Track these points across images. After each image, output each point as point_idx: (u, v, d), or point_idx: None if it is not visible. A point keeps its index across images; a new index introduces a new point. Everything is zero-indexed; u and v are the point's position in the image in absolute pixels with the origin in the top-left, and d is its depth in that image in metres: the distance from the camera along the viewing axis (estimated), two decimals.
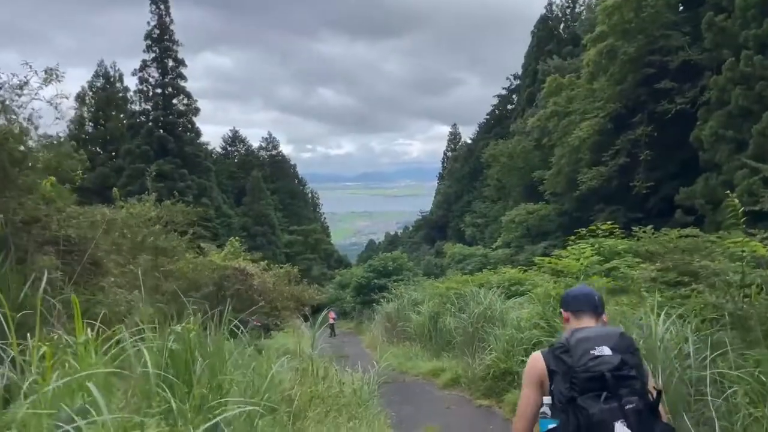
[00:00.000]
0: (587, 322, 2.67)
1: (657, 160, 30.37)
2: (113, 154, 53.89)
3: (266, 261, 15.34)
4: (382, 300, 23.55)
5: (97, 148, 56.10)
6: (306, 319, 31.13)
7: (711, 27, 25.41)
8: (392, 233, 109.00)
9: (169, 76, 49.87)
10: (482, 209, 59.30)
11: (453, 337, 14.16)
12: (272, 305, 14.07)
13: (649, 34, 29.44)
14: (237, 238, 14.98)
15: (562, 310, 2.84)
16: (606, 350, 2.38)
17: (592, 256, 10.08)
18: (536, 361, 2.62)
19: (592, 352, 2.38)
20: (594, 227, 12.97)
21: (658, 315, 6.34)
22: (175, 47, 49.69)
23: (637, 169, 30.96)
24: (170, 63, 49.74)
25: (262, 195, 60.88)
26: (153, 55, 49.19)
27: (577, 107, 34.10)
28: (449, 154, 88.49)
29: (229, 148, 74.78)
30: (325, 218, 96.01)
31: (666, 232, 16.97)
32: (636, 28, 29.71)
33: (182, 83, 50.37)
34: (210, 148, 66.25)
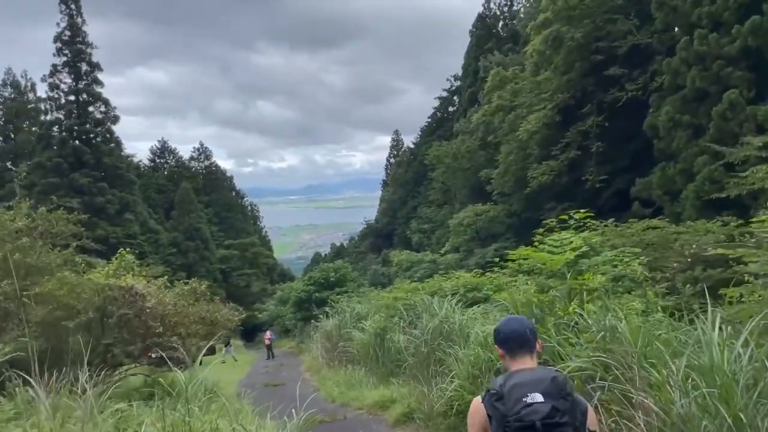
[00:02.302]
0: (522, 359, 2.69)
1: (608, 152, 28.87)
2: (25, 170, 49.35)
3: (164, 277, 12.32)
4: (321, 316, 20.81)
5: (9, 164, 51.47)
6: (226, 344, 27.96)
7: (662, 6, 23.98)
8: (338, 245, 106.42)
9: (83, 82, 45.52)
10: (428, 214, 57.37)
11: (403, 357, 11.63)
12: (174, 332, 11.09)
13: (595, 19, 27.94)
14: (128, 250, 11.95)
15: (495, 345, 2.84)
16: (538, 397, 2.40)
17: (581, 246, 7.70)
18: (477, 407, 2.64)
19: (524, 399, 2.40)
20: (566, 215, 10.62)
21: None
22: (89, 50, 45.42)
23: (588, 162, 29.43)
24: (84, 67, 45.43)
25: (192, 207, 56.83)
26: (64, 59, 44.81)
27: (523, 100, 32.39)
28: (392, 160, 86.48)
29: (157, 161, 70.19)
30: (266, 232, 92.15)
31: (630, 224, 14.93)
32: (581, 14, 28.19)
33: (99, 89, 46.14)
34: (137, 160, 61.92)
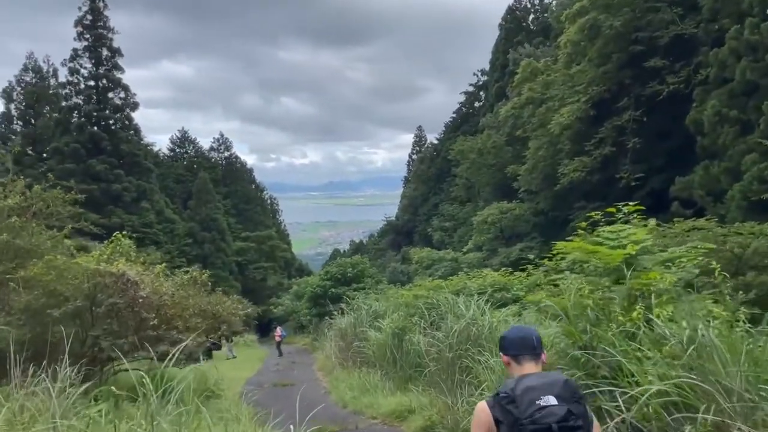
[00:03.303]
0: (528, 366, 2.65)
1: (644, 149, 27.23)
2: (44, 154, 49.00)
3: (163, 264, 11.18)
4: (336, 313, 19.61)
5: (29, 149, 51.14)
6: (228, 339, 26.86)
7: None
8: (357, 241, 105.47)
9: (103, 67, 44.87)
10: (450, 211, 55.95)
11: (424, 362, 10.37)
12: (171, 325, 9.95)
13: (635, 8, 26.34)
14: (124, 234, 10.84)
15: (500, 353, 2.80)
16: (552, 400, 2.36)
17: (645, 239, 6.38)
18: (483, 411, 2.57)
19: (537, 402, 2.36)
20: (614, 208, 9.26)
21: None
22: (110, 35, 44.75)
23: (623, 160, 27.81)
24: (104, 52, 44.79)
25: (209, 197, 55.85)
26: (85, 43, 44.21)
27: (555, 93, 30.87)
28: (414, 157, 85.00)
29: (177, 150, 69.54)
30: (284, 225, 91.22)
31: (672, 224, 13.48)
32: (620, 2, 26.63)
33: (119, 75, 45.47)
34: (156, 149, 61.31)
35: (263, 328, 51.39)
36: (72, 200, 11.86)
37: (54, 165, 41.89)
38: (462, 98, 69.44)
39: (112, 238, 10.60)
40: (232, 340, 29.89)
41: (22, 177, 12.37)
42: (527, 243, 33.60)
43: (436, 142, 74.32)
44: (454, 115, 69.90)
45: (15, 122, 50.14)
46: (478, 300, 10.29)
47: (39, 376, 7.36)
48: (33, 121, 48.74)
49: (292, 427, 6.26)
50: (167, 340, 9.57)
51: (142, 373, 5.38)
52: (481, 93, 64.96)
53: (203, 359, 22.90)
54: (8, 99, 49.53)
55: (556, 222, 33.29)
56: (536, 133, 33.23)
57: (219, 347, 26.46)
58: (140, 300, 9.34)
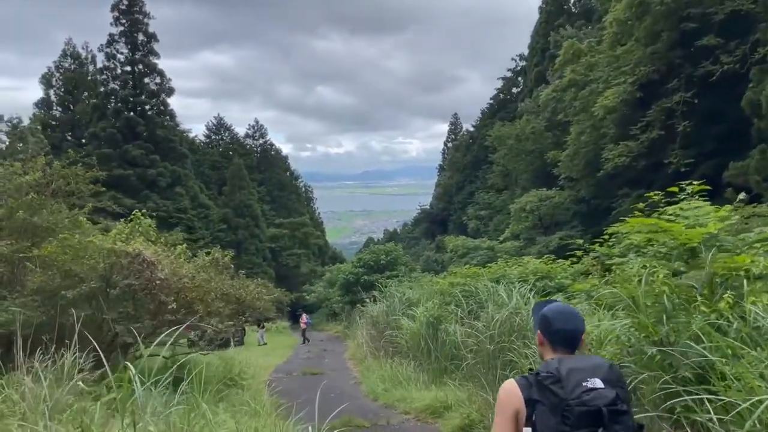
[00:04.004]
0: (565, 352, 2.46)
1: (695, 132, 25.71)
2: (83, 140, 49.47)
3: (183, 244, 10.56)
4: (367, 300, 18.92)
5: (68, 135, 51.68)
6: (260, 325, 26.36)
7: None
8: (391, 230, 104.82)
9: (139, 53, 44.91)
10: (486, 199, 54.66)
11: (461, 354, 9.57)
12: (191, 309, 9.34)
13: None
14: (144, 212, 10.26)
15: (538, 330, 2.56)
16: (598, 383, 2.25)
17: (729, 216, 5.46)
18: (512, 390, 2.38)
19: (585, 384, 2.24)
20: (676, 188, 8.32)
21: None
22: (146, 20, 44.75)
23: (671, 145, 26.32)
24: (140, 38, 44.80)
25: (243, 183, 55.67)
26: (121, 28, 44.25)
27: (599, 75, 29.37)
28: (449, 144, 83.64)
29: (213, 137, 69.64)
30: (319, 213, 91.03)
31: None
32: None
33: (154, 60, 45.44)
34: (192, 136, 61.42)
35: (296, 315, 51.26)
36: (93, 177, 11.33)
37: (91, 150, 42.21)
38: (499, 84, 67.85)
39: (131, 216, 10.01)
40: (263, 326, 29.55)
41: (47, 155, 11.81)
42: (567, 232, 32.38)
43: (472, 129, 72.90)
44: (491, 102, 68.32)
45: (54, 108, 50.68)
46: (520, 288, 9.47)
47: (47, 361, 6.83)
48: (72, 107, 49.15)
49: (310, 428, 5.57)
50: (187, 325, 8.96)
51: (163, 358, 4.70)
52: (519, 78, 63.25)
53: (234, 345, 22.46)
54: (47, 85, 50.05)
55: (598, 210, 32.02)
56: (578, 117, 31.84)
57: (243, 333, 26.10)
58: (157, 282, 8.74)
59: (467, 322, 9.89)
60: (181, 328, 9.07)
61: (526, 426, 2.32)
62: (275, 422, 7.25)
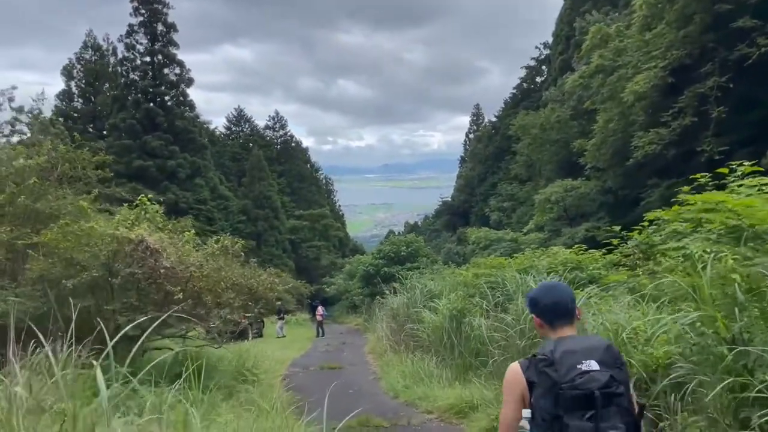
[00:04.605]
0: (564, 329, 2.46)
1: (730, 119, 24.60)
2: (104, 132, 49.54)
3: (192, 231, 10.02)
4: (387, 292, 18.32)
5: (89, 126, 51.75)
6: (280, 316, 25.82)
7: None
8: (412, 223, 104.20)
9: (158, 43, 44.71)
10: (509, 191, 53.69)
11: (487, 349, 8.91)
12: (199, 300, 8.80)
13: None
14: (149, 196, 9.76)
15: (533, 314, 2.57)
16: (593, 365, 2.23)
17: None
18: (516, 373, 2.41)
19: (578, 366, 2.21)
20: (725, 169, 7.69)
21: None
22: (165, 10, 44.49)
23: (703, 132, 25.22)
24: (160, 28, 44.58)
25: (263, 174, 55.39)
26: (140, 18, 44.08)
27: (628, 59, 28.30)
28: (471, 136, 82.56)
29: (233, 128, 69.48)
30: (339, 205, 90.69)
31: None
32: None
33: (174, 51, 45.20)
34: (212, 127, 61.27)
35: (313, 306, 51.08)
36: (100, 162, 10.85)
37: (112, 141, 42.17)
38: (522, 73, 66.59)
39: (137, 201, 9.51)
40: (284, 318, 29.13)
41: (50, 140, 11.32)
42: (594, 223, 31.49)
43: (494, 119, 71.76)
44: (514, 91, 67.10)
45: (75, 100, 50.78)
46: (552, 278, 8.77)
47: (39, 355, 6.33)
48: (93, 98, 49.20)
49: (323, 429, 4.98)
50: (194, 316, 8.43)
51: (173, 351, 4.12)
52: (543, 67, 61.96)
53: (252, 336, 21.92)
54: (68, 77, 50.13)
55: (626, 201, 31.06)
56: (606, 104, 30.77)
57: (262, 325, 25.68)
58: (162, 271, 8.21)
59: (494, 315, 9.24)
60: (188, 323, 8.58)
61: (527, 408, 2.33)
62: (286, 422, 6.68)
